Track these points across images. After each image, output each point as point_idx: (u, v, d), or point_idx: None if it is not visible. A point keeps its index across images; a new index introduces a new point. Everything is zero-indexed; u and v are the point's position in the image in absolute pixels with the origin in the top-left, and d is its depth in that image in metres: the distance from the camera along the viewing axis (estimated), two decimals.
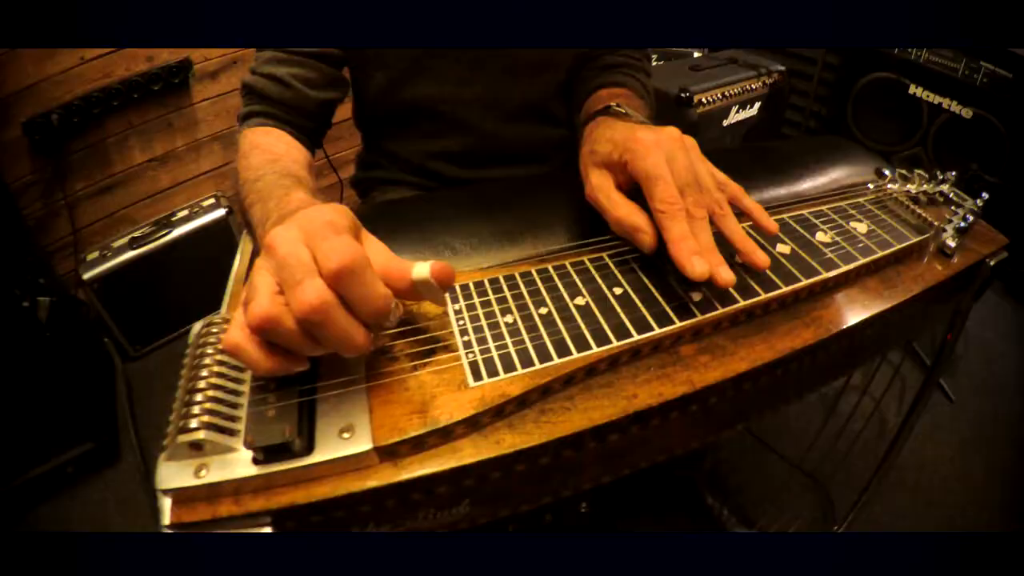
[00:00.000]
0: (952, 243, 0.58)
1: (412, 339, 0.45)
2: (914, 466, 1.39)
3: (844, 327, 0.50)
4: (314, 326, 0.35)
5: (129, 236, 1.70)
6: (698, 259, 0.45)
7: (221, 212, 1.77)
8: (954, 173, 0.65)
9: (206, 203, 1.81)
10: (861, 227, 0.58)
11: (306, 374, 0.41)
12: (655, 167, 0.48)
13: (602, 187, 0.54)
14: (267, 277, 0.37)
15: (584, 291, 0.49)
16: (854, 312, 0.51)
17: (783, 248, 0.55)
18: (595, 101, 0.75)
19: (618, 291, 0.49)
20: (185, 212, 1.78)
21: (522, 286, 0.50)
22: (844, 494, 1.26)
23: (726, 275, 0.45)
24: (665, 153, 0.49)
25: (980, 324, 1.76)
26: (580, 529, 0.86)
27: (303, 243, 0.37)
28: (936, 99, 1.77)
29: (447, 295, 0.46)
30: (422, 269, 0.40)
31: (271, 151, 0.67)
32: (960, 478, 1.37)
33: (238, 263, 0.62)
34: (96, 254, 1.66)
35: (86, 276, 1.59)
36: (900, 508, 1.30)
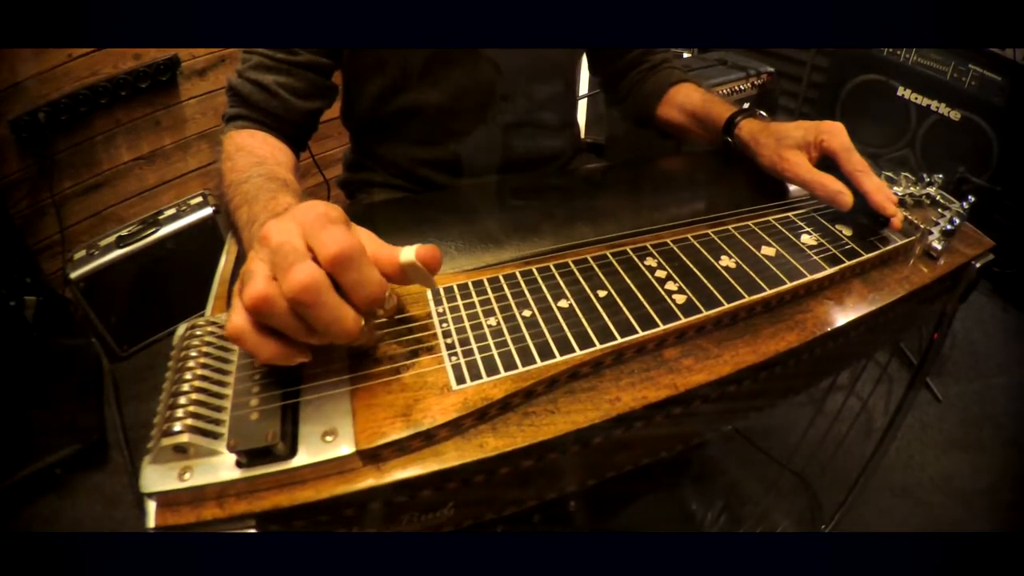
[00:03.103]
0: (938, 245, 0.58)
1: (395, 342, 0.45)
2: (901, 466, 1.40)
3: (828, 330, 0.50)
4: (305, 307, 0.35)
5: (116, 235, 1.69)
6: (891, 203, 0.59)
7: (208, 210, 1.76)
8: (941, 176, 0.66)
9: (193, 201, 1.80)
10: (847, 229, 0.58)
11: (290, 377, 0.41)
12: (847, 142, 0.63)
13: (801, 163, 0.66)
14: (261, 264, 0.37)
15: (568, 293, 0.49)
16: (839, 315, 0.52)
17: (768, 250, 0.55)
18: (691, 97, 0.87)
19: (602, 293, 0.49)
20: (172, 211, 1.77)
21: (506, 288, 0.50)
22: (831, 494, 1.27)
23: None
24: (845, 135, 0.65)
25: (967, 323, 1.78)
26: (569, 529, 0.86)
27: (297, 233, 0.38)
28: (924, 101, 1.78)
29: (438, 287, 0.49)
30: (408, 253, 0.41)
31: (256, 154, 0.66)
32: (947, 478, 1.37)
33: (223, 264, 0.62)
34: (83, 253, 1.65)
35: (73, 275, 1.58)
36: (887, 508, 1.31)
